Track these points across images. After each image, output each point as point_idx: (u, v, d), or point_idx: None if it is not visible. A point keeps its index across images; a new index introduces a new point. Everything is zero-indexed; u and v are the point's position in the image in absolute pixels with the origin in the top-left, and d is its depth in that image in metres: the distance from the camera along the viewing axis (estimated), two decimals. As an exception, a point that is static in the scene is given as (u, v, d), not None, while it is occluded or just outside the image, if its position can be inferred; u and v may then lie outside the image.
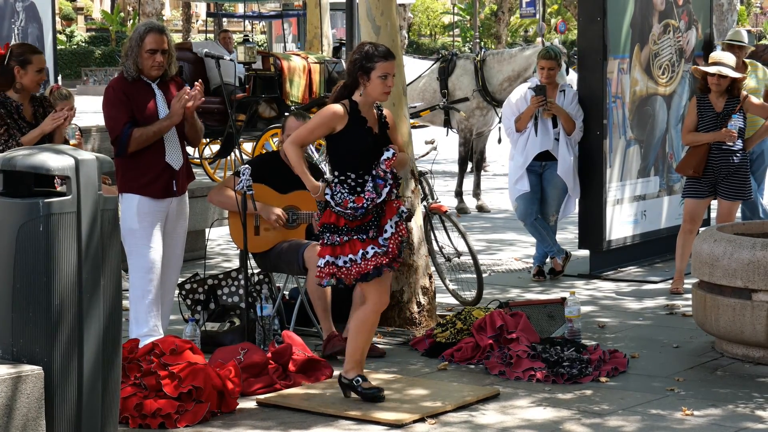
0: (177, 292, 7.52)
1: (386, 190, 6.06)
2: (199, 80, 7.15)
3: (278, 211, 7.47)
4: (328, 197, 6.09)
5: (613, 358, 6.96)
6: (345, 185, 6.07)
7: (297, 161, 6.20)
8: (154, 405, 5.90)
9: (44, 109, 7.05)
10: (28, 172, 5.33)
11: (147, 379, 6.02)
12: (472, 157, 14.15)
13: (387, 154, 6.08)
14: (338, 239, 6.07)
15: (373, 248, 6.04)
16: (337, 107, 6.14)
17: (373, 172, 6.06)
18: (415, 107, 13.82)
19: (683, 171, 9.02)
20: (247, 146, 16.86)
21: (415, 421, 5.95)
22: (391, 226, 6.08)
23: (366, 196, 6.03)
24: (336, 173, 6.12)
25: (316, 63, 16.14)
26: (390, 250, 6.05)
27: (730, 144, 8.79)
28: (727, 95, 8.84)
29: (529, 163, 9.50)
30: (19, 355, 5.11)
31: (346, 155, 6.11)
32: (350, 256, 6.05)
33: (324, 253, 6.12)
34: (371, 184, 6.05)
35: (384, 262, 6.04)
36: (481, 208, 13.80)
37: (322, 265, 6.12)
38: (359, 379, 6.18)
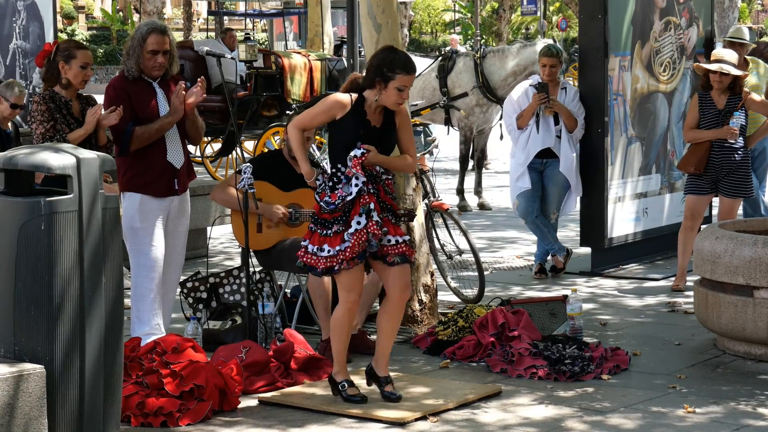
0: (179, 290, 7.52)
1: (355, 189, 6.02)
2: (201, 77, 7.15)
3: (281, 208, 7.48)
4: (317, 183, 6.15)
5: (615, 355, 6.96)
6: (335, 177, 6.09)
7: (297, 144, 6.24)
8: (156, 403, 5.90)
9: (90, 108, 7.04)
10: (30, 171, 5.35)
11: (149, 378, 6.02)
12: (473, 154, 14.16)
13: (355, 152, 6.03)
14: (312, 227, 6.14)
15: (328, 248, 6.03)
16: (342, 96, 6.16)
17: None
18: (416, 105, 13.83)
19: (685, 168, 9.02)
20: (249, 144, 16.86)
21: (416, 419, 5.95)
22: (358, 222, 6.02)
23: (338, 193, 6.04)
24: (330, 165, 6.14)
25: (317, 61, 16.15)
26: (350, 246, 5.99)
27: (732, 141, 8.79)
28: (729, 92, 8.84)
29: (531, 161, 9.50)
30: (20, 354, 5.12)
31: (339, 147, 6.12)
32: (312, 245, 6.10)
33: (305, 236, 6.21)
34: (345, 181, 6.05)
35: (332, 264, 6.01)
36: (482, 206, 13.80)
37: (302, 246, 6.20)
38: (345, 384, 6.18)
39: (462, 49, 19.59)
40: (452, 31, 58.61)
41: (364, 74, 6.26)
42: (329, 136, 6.27)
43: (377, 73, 6.10)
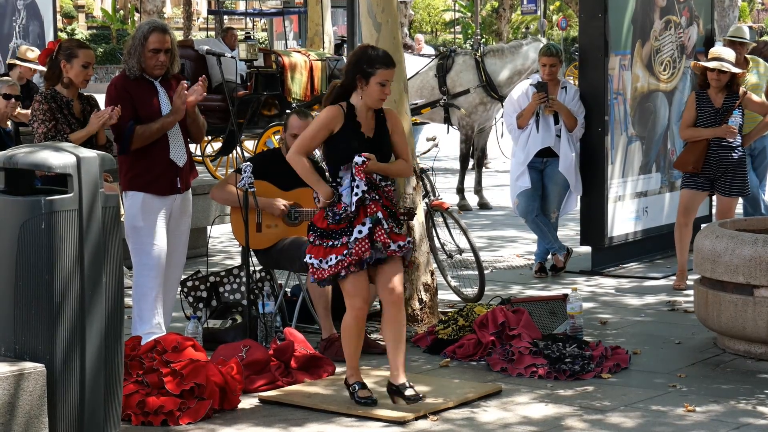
0: (179, 289, 7.52)
1: (356, 198, 5.99)
2: (203, 76, 7.15)
3: (281, 201, 7.48)
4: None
5: (615, 354, 6.96)
6: (338, 190, 6.06)
7: (304, 171, 6.17)
8: (157, 402, 5.90)
9: (91, 108, 7.04)
10: (30, 170, 5.35)
11: (149, 377, 6.03)
12: (473, 153, 14.17)
13: (356, 159, 5.99)
14: (316, 242, 6.09)
15: (335, 257, 6.00)
16: (335, 108, 6.11)
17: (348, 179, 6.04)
18: (416, 104, 13.83)
19: (683, 167, 9.02)
20: (249, 144, 16.86)
21: (416, 418, 5.95)
22: (360, 231, 5.99)
23: (342, 204, 6.02)
24: (331, 179, 6.12)
25: (317, 60, 16.15)
26: (354, 252, 5.97)
27: (730, 140, 8.80)
28: (727, 91, 8.84)
29: (531, 160, 9.50)
30: (21, 353, 5.12)
31: (337, 162, 6.08)
32: (317, 259, 6.06)
33: (307, 252, 6.16)
34: (346, 191, 6.03)
35: (338, 271, 5.99)
36: (482, 205, 13.80)
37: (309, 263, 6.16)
38: (356, 386, 6.15)
39: (428, 49, 19.76)
40: (452, 30, 58.60)
41: (342, 78, 6.20)
42: (326, 153, 6.21)
43: (357, 70, 6.05)
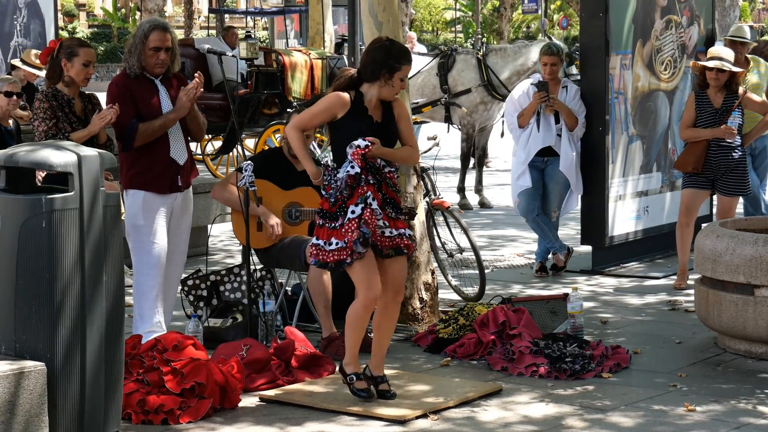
0: (180, 288, 7.52)
1: (346, 174, 5.98)
2: (198, 72, 7.14)
3: (276, 221, 7.46)
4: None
5: (616, 353, 6.96)
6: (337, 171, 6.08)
7: (298, 145, 6.21)
8: (157, 401, 5.90)
9: (93, 106, 7.04)
10: (31, 168, 5.35)
11: (149, 375, 6.02)
12: (474, 152, 14.17)
13: (358, 142, 5.99)
14: (320, 222, 6.12)
15: (336, 241, 6.00)
16: (342, 96, 6.13)
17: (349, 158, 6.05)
18: (417, 103, 13.83)
19: (683, 168, 9.02)
20: (250, 142, 16.87)
21: (417, 417, 5.95)
22: (353, 211, 5.99)
23: (335, 182, 6.05)
24: (335, 165, 6.12)
25: (318, 59, 16.15)
26: (348, 239, 5.97)
27: (730, 140, 8.79)
28: (726, 91, 8.84)
29: (531, 159, 9.50)
30: (21, 351, 5.12)
31: (343, 146, 6.09)
32: (322, 240, 6.07)
33: (314, 233, 6.19)
34: (342, 170, 6.03)
35: (343, 257, 6.00)
36: (483, 204, 13.81)
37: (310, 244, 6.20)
38: (353, 377, 6.17)
39: (419, 47, 19.81)
40: (453, 29, 58.57)
41: (360, 68, 6.23)
42: (331, 137, 6.24)
43: (384, 65, 6.09)
